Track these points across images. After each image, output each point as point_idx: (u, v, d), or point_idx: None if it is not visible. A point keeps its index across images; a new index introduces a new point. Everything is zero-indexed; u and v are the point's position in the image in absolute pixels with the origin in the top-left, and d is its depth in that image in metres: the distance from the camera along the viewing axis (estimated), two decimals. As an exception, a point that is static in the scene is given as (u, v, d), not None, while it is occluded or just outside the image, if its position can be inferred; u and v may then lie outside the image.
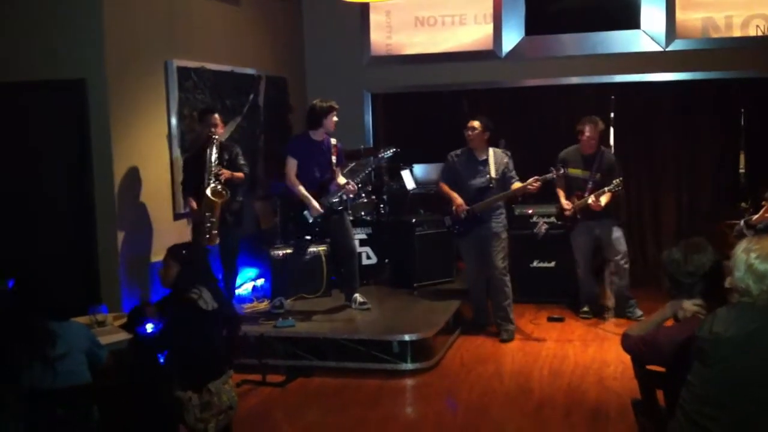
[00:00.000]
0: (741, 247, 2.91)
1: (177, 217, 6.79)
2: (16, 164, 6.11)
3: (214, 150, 6.29)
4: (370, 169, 7.09)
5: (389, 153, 6.88)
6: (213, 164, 6.25)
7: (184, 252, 4.39)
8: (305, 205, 6.55)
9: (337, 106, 6.55)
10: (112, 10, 6.01)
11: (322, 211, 6.52)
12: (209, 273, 4.46)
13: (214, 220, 6.24)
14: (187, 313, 4.21)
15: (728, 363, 2.80)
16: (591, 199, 6.77)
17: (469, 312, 7.14)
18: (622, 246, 7.06)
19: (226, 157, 6.45)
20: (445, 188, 6.83)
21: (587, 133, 6.88)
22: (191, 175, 6.41)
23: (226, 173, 6.31)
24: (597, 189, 6.83)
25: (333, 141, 6.68)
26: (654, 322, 3.49)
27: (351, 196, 6.84)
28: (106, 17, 5.97)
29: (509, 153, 6.81)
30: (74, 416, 3.74)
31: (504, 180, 6.68)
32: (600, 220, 6.97)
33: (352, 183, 6.59)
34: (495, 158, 6.69)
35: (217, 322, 4.34)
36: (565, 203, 7.01)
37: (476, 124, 6.66)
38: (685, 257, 3.18)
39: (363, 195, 7.81)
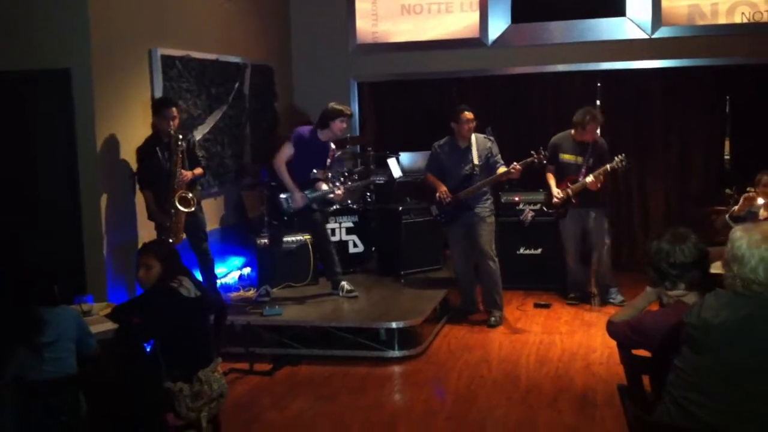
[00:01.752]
0: (743, 238, 2.88)
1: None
2: (0, 154, 6.05)
3: (179, 152, 6.14)
4: (362, 184, 7.15)
5: (380, 180, 6.96)
6: (177, 169, 6.12)
7: (163, 250, 4.38)
8: (283, 191, 6.56)
9: (348, 113, 6.60)
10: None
11: (301, 204, 6.53)
12: (183, 267, 4.44)
13: (181, 224, 6.18)
14: (169, 301, 4.19)
15: (717, 350, 2.81)
16: (589, 179, 6.79)
17: (457, 299, 7.16)
18: (607, 237, 7.11)
19: (182, 147, 6.21)
20: (431, 178, 6.86)
21: (590, 126, 6.90)
22: (146, 168, 6.19)
23: (187, 175, 6.21)
24: (591, 172, 6.85)
25: (332, 145, 6.74)
26: (637, 306, 3.51)
27: (336, 201, 6.92)
28: (91, 6, 5.91)
29: (492, 138, 6.83)
30: (62, 405, 3.73)
31: (489, 166, 6.70)
32: (591, 207, 7.00)
33: (341, 189, 6.66)
34: (477, 145, 6.71)
35: (201, 310, 4.33)
36: (556, 191, 7.02)
37: (472, 116, 6.65)
38: (670, 248, 3.19)
39: (349, 183, 7.81)
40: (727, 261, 2.92)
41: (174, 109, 6.22)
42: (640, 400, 3.55)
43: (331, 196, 6.71)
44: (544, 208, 7.35)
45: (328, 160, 6.76)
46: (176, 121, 6.22)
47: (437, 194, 6.73)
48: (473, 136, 6.74)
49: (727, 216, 6.17)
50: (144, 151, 6.21)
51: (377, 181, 7.13)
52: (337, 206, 7.54)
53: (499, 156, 6.74)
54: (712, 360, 2.83)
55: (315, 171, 6.65)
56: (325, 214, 7.09)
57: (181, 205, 6.13)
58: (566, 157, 7.05)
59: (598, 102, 7.16)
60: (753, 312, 2.81)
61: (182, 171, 6.18)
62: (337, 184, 6.76)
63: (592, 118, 6.93)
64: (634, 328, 3.33)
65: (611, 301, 7.12)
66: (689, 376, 2.89)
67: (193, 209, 6.24)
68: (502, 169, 6.63)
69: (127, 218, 6.36)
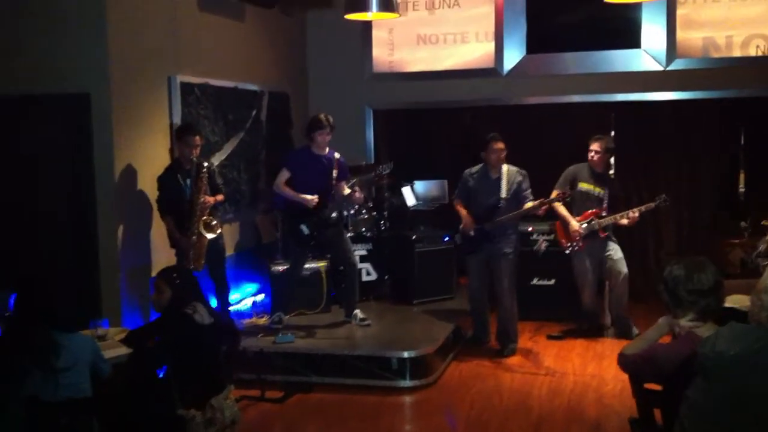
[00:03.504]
0: None
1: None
2: (19, 177, 6.13)
3: (205, 180, 6.23)
4: (371, 177, 7.10)
5: (387, 170, 6.90)
6: (201, 195, 6.19)
7: (174, 275, 4.42)
8: (300, 217, 6.57)
9: (325, 124, 6.55)
10: (116, 25, 6.06)
11: (313, 202, 6.52)
12: (200, 293, 4.48)
13: (201, 250, 6.23)
14: (183, 328, 4.22)
15: (732, 381, 2.82)
16: (626, 220, 6.80)
17: (469, 328, 7.14)
18: (624, 267, 7.06)
19: (205, 174, 6.32)
20: (459, 206, 6.81)
21: (593, 147, 6.91)
22: (168, 195, 6.25)
23: (209, 201, 6.29)
24: (611, 208, 6.84)
25: (336, 155, 6.71)
26: (649, 338, 3.50)
27: (356, 205, 6.88)
28: (111, 32, 6.01)
29: (525, 172, 6.71)
30: (75, 429, 3.76)
31: (517, 199, 6.61)
32: (606, 241, 6.97)
33: (358, 191, 6.64)
34: (508, 177, 6.63)
35: (215, 337, 4.36)
36: (577, 225, 6.89)
37: (503, 145, 6.63)
38: (688, 275, 3.19)
39: (364, 211, 7.84)
40: (759, 291, 2.93)
41: (198, 137, 6.31)
42: (651, 434, 3.54)
43: (353, 199, 6.66)
44: (563, 241, 7.09)
45: (335, 172, 6.66)
46: (198, 149, 6.29)
47: (462, 225, 6.70)
48: (505, 168, 6.66)
49: (754, 255, 6.18)
50: (166, 179, 6.27)
51: (384, 172, 7.00)
52: (352, 233, 7.54)
53: (530, 191, 6.64)
54: (725, 391, 2.83)
55: (316, 187, 6.59)
56: (348, 238, 7.00)
57: (206, 230, 6.20)
58: (584, 186, 6.98)
59: (612, 133, 7.17)
60: (766, 344, 2.81)
61: (205, 197, 6.24)
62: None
63: (596, 136, 6.98)
64: (646, 360, 3.33)
65: (626, 334, 7.00)
66: (702, 407, 2.89)
67: (217, 234, 6.29)
68: (529, 204, 6.55)
69: (143, 243, 6.41)
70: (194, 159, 6.23)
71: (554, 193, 6.83)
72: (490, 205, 6.63)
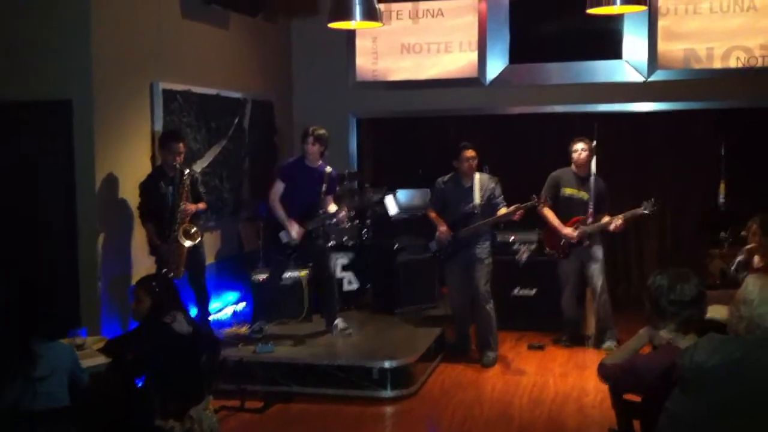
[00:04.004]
0: (757, 285, 2.94)
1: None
2: (-2, 184, 6.09)
3: (186, 187, 6.21)
4: (360, 204, 7.12)
5: (378, 197, 6.95)
6: (182, 202, 6.17)
7: (154, 284, 4.40)
8: (282, 227, 6.57)
9: (312, 134, 6.53)
10: (99, 32, 6.04)
11: (296, 238, 6.53)
12: (179, 302, 4.46)
13: (181, 258, 6.19)
14: (162, 337, 4.20)
15: (709, 392, 2.83)
16: (614, 225, 6.75)
17: (452, 337, 7.14)
18: (602, 276, 7.06)
19: (187, 181, 6.30)
20: (432, 214, 6.86)
21: (580, 146, 6.91)
22: (150, 202, 6.22)
23: (190, 208, 6.25)
24: (597, 212, 6.84)
25: (328, 169, 6.71)
26: (630, 349, 3.50)
27: (340, 224, 6.90)
28: (93, 38, 5.99)
29: (496, 178, 6.82)
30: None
31: (490, 206, 6.70)
32: (594, 245, 6.99)
33: (344, 211, 6.66)
34: (481, 184, 6.72)
35: (194, 346, 4.33)
36: (568, 230, 6.88)
37: (474, 153, 6.68)
38: (671, 285, 3.20)
39: (348, 220, 7.84)
40: (737, 302, 2.95)
41: (181, 144, 6.28)
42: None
43: (338, 218, 6.68)
44: (547, 249, 7.15)
45: (324, 185, 6.68)
46: (182, 157, 6.26)
47: (437, 232, 6.74)
48: (477, 175, 6.74)
49: (732, 268, 6.21)
50: (147, 185, 6.24)
51: (374, 200, 7.10)
52: (334, 242, 7.56)
53: (502, 197, 6.74)
54: (703, 402, 2.84)
55: (303, 201, 6.60)
56: (328, 250, 7.03)
57: (185, 238, 6.17)
58: (569, 191, 6.97)
59: (594, 143, 7.20)
60: (744, 354, 2.84)
61: (186, 204, 6.21)
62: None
63: (579, 138, 6.97)
64: (626, 370, 3.33)
65: (605, 345, 7.02)
66: (681, 418, 2.90)
67: (197, 242, 6.26)
68: (503, 210, 6.64)
69: (124, 252, 6.37)
70: (177, 166, 6.20)
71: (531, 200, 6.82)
72: (464, 213, 6.70)
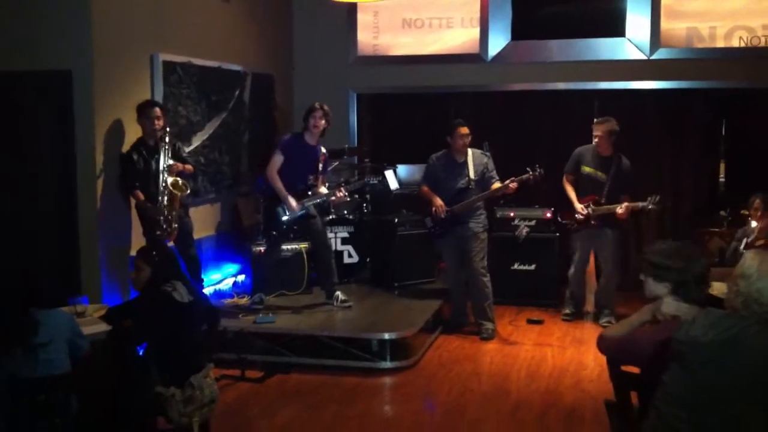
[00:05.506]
0: (755, 260, 2.94)
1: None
2: (-2, 154, 6.09)
3: (167, 144, 6.13)
4: (357, 184, 7.14)
5: (375, 181, 7.06)
6: (166, 158, 6.10)
7: (153, 254, 4.41)
8: (280, 202, 6.58)
9: (318, 107, 6.56)
10: (99, 2, 5.99)
11: (297, 209, 6.55)
12: (179, 271, 4.47)
13: (174, 213, 6.12)
14: (162, 305, 4.22)
15: (705, 367, 2.85)
16: (620, 210, 6.77)
17: (449, 312, 7.17)
18: (618, 257, 7.14)
19: (168, 149, 6.25)
20: (426, 190, 6.89)
21: (595, 132, 6.97)
22: (134, 169, 6.15)
23: (178, 166, 6.19)
24: (612, 193, 6.86)
25: (323, 150, 6.74)
26: (632, 323, 3.51)
27: (337, 203, 6.94)
28: (94, 8, 5.94)
29: (489, 153, 6.87)
30: (53, 404, 3.75)
31: (484, 181, 6.75)
32: (608, 227, 7.00)
33: (342, 192, 6.67)
34: (474, 159, 6.76)
35: (194, 315, 4.35)
36: (579, 207, 6.98)
37: (468, 130, 6.71)
38: (676, 251, 3.23)
39: (347, 197, 7.84)
40: (735, 277, 2.97)
41: (157, 109, 6.22)
42: (626, 415, 3.57)
43: (333, 198, 6.72)
44: (559, 218, 7.30)
45: (320, 165, 6.72)
46: (161, 122, 6.18)
47: (432, 207, 6.76)
48: (470, 151, 6.78)
49: (741, 246, 6.25)
50: (128, 156, 6.19)
51: (371, 182, 7.16)
52: (334, 215, 7.58)
53: (495, 172, 6.80)
54: (699, 377, 2.86)
55: (311, 177, 6.67)
56: (324, 222, 7.09)
57: (174, 189, 6.07)
58: (587, 170, 7.03)
59: (595, 120, 7.19)
60: (740, 331, 2.85)
61: (172, 162, 6.14)
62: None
63: (600, 119, 7.01)
64: (625, 343, 3.34)
65: (602, 321, 7.08)
66: (677, 392, 2.92)
67: (185, 193, 6.18)
68: (496, 185, 6.69)
69: (123, 220, 6.36)
70: (158, 132, 6.14)
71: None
72: (459, 189, 6.74)
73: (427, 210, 6.87)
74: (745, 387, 2.82)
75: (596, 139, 6.98)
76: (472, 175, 6.72)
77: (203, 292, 6.60)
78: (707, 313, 2.97)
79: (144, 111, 6.21)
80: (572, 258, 7.26)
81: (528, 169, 6.64)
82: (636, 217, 7.49)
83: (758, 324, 2.85)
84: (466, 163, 6.76)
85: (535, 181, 6.69)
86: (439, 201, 6.74)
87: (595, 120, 7.13)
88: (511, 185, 6.57)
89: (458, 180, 6.77)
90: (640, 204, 6.81)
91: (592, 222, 6.96)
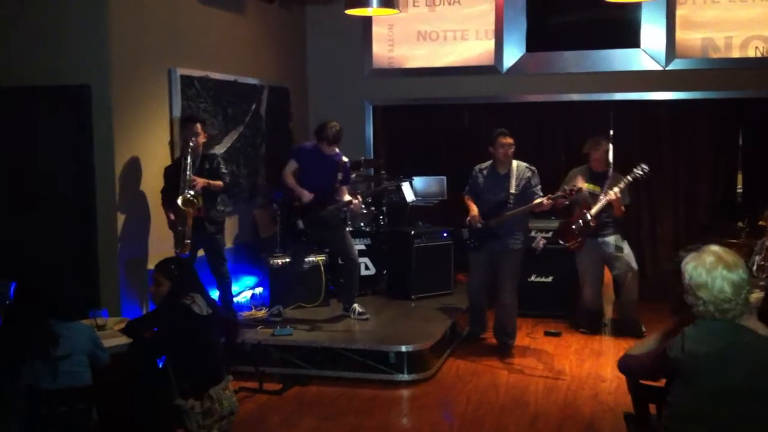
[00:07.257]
0: (698, 266, 2.94)
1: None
2: (19, 169, 6.15)
3: (189, 159, 6.12)
4: (375, 191, 7.13)
5: (392, 186, 7.00)
6: (188, 173, 6.10)
7: (172, 266, 4.43)
8: (297, 214, 6.60)
9: (326, 138, 6.49)
10: (117, 17, 6.07)
11: (311, 197, 6.54)
12: (198, 284, 4.49)
13: (186, 229, 6.12)
14: (181, 318, 4.24)
15: (705, 380, 2.86)
16: (611, 195, 6.72)
17: (467, 323, 7.16)
18: (634, 262, 7.09)
19: (207, 166, 6.36)
20: (467, 200, 6.75)
21: (593, 156, 7.00)
22: (169, 185, 6.27)
23: (201, 182, 6.18)
24: (605, 205, 6.84)
25: (344, 159, 6.69)
26: (658, 338, 3.42)
27: (354, 212, 6.93)
28: (112, 24, 6.03)
29: (534, 168, 6.64)
30: (73, 416, 3.78)
31: (525, 195, 6.51)
32: (607, 234, 6.98)
33: (358, 199, 6.67)
34: (517, 173, 6.56)
35: (213, 327, 4.38)
36: (572, 225, 6.98)
37: (510, 140, 6.56)
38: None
39: (363, 207, 7.86)
40: (693, 291, 2.95)
41: (198, 125, 6.30)
42: (645, 429, 3.56)
43: (351, 205, 6.67)
44: (560, 241, 7.18)
45: (340, 174, 6.65)
46: (199, 138, 6.28)
47: (468, 218, 6.63)
48: (514, 164, 6.59)
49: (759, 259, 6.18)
50: (170, 171, 6.33)
51: (389, 188, 7.14)
52: (351, 228, 7.60)
53: (539, 187, 6.55)
54: (699, 390, 2.86)
55: (320, 185, 6.61)
56: (347, 235, 7.01)
57: (184, 205, 6.04)
58: (587, 187, 7.00)
59: (611, 132, 7.19)
60: (731, 340, 2.87)
61: (195, 177, 6.16)
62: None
63: (593, 144, 7.00)
64: (656, 356, 3.13)
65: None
66: (680, 408, 2.92)
67: (196, 208, 6.12)
68: (536, 201, 6.42)
69: (142, 234, 6.42)
70: (193, 145, 6.16)
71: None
72: (497, 202, 6.56)
73: (464, 221, 6.69)
74: (747, 393, 2.83)
75: (595, 161, 6.99)
76: (512, 189, 6.50)
77: (231, 306, 6.66)
78: (697, 326, 2.96)
79: (185, 125, 6.35)
80: (581, 281, 7.19)
81: (565, 186, 6.64)
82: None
83: (743, 330, 2.89)
84: (508, 175, 6.56)
85: (571, 197, 6.59)
86: (475, 211, 6.58)
87: (588, 142, 7.09)
88: (545, 202, 6.38)
89: (498, 193, 6.57)
90: (629, 177, 6.77)
91: (592, 224, 6.89)
